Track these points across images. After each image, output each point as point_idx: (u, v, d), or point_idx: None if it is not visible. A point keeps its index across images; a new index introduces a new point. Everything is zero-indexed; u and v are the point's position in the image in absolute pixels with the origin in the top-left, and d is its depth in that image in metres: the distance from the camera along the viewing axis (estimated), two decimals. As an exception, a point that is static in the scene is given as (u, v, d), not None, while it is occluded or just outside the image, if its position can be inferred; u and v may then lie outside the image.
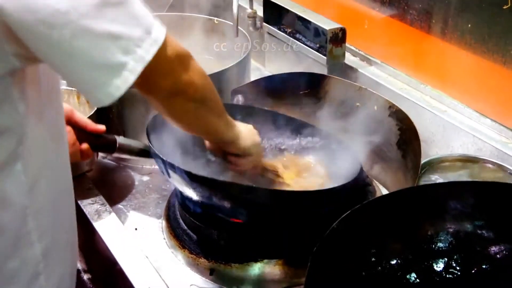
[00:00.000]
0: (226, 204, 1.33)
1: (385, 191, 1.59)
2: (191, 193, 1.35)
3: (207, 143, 1.40)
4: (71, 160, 1.28)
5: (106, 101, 0.94)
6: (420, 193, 1.18)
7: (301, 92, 1.70)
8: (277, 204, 1.33)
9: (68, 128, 1.31)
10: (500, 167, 1.50)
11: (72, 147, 1.31)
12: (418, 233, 1.17)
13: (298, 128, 1.63)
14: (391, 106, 1.55)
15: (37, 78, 1.00)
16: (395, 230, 1.16)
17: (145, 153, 1.39)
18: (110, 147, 1.37)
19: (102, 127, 1.37)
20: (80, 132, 1.33)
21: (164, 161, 1.34)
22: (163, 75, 1.04)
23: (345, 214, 1.12)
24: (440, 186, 1.20)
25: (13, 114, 0.96)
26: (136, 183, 1.71)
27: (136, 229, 1.54)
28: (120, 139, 1.38)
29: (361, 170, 1.46)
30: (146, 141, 1.41)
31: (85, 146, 1.33)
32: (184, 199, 1.45)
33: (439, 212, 1.18)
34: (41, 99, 1.02)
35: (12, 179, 0.99)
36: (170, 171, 1.35)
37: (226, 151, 1.36)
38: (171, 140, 1.43)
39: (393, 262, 1.14)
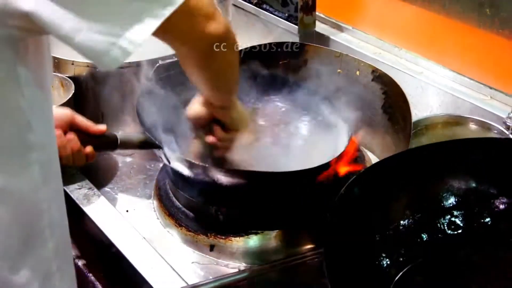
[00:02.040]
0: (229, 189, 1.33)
1: (372, 156, 1.61)
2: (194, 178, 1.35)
3: (195, 111, 1.32)
4: (77, 165, 1.28)
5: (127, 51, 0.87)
6: (420, 154, 1.20)
7: (280, 62, 1.69)
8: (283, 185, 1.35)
9: (72, 135, 1.27)
10: (485, 123, 1.53)
11: (78, 153, 1.27)
12: (421, 193, 1.19)
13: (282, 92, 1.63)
14: (374, 70, 1.56)
15: (41, 51, 0.94)
16: (399, 192, 1.17)
17: (147, 145, 1.37)
18: (112, 145, 1.34)
19: (103, 127, 1.32)
20: (82, 135, 1.29)
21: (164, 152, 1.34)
22: (206, 19, 0.98)
23: (351, 180, 1.13)
24: (438, 146, 1.22)
25: (18, 98, 0.90)
26: (120, 164, 1.69)
27: (127, 211, 1.52)
28: (120, 135, 1.35)
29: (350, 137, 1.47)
30: (133, 127, 1.39)
31: (89, 149, 1.29)
32: (179, 178, 1.43)
33: (439, 171, 1.20)
34: (47, 78, 0.97)
35: (27, 172, 0.95)
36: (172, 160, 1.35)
37: (216, 118, 1.31)
38: (163, 120, 1.42)
39: (401, 223, 1.16)
